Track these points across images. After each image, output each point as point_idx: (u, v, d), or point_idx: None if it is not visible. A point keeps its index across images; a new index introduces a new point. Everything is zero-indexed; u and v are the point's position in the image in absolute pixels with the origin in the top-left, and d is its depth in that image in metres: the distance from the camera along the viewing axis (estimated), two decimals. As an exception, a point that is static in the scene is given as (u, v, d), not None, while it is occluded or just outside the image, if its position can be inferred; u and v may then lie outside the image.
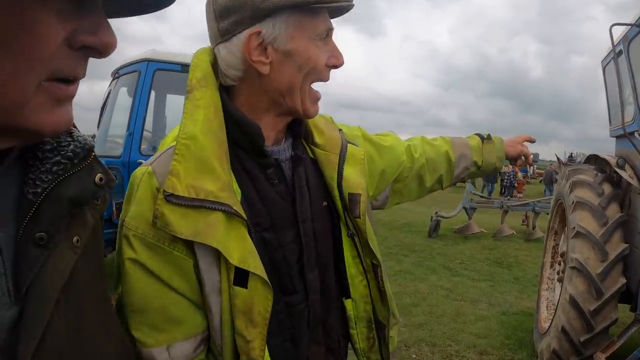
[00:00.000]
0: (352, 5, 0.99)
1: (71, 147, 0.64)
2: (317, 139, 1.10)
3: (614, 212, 3.39)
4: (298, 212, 1.02)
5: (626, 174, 3.40)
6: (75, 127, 0.69)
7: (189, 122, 0.91)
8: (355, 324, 1.14)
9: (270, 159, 1.00)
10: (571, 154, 5.81)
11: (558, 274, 4.38)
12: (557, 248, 4.55)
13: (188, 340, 0.94)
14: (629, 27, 3.45)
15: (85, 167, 0.64)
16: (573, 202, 3.54)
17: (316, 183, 1.08)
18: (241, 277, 0.90)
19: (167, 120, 5.99)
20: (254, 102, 0.99)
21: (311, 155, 1.11)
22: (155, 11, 0.66)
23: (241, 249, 0.89)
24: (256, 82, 0.97)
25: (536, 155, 1.61)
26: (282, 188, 1.02)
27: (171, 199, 0.85)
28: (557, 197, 4.42)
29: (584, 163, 4.33)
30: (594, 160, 4.21)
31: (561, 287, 3.65)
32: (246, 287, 0.90)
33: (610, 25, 3.40)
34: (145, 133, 5.55)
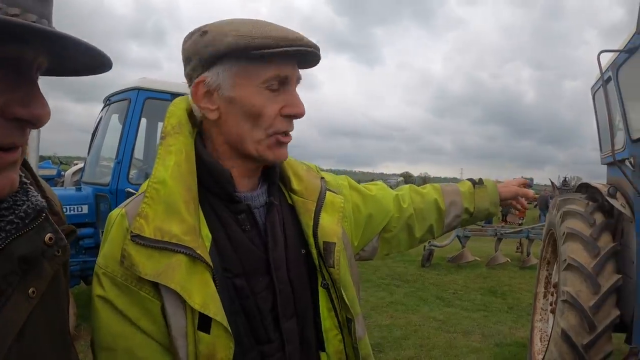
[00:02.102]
0: (312, 51, 0.95)
1: (24, 207, 0.67)
2: (295, 185, 1.08)
3: (606, 242, 3.31)
4: (271, 259, 0.99)
5: (618, 203, 3.33)
6: (37, 183, 0.74)
7: (161, 167, 0.93)
8: None
9: (241, 205, 0.99)
10: (565, 177, 5.77)
11: (551, 305, 4.28)
12: (550, 278, 4.46)
13: None
14: (617, 53, 3.39)
15: (36, 227, 0.68)
16: (564, 233, 3.47)
17: (293, 230, 1.05)
18: (205, 322, 0.88)
19: (159, 148, 5.95)
20: (219, 148, 1.00)
21: (289, 202, 1.08)
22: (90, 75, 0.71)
23: (203, 294, 0.88)
24: (214, 127, 0.99)
25: (530, 180, 1.58)
26: (254, 234, 1.00)
27: (137, 239, 0.87)
28: (548, 226, 4.35)
29: (575, 192, 4.28)
30: (585, 189, 4.16)
31: (554, 319, 3.55)
32: (209, 333, 0.88)
33: (598, 52, 3.34)
34: (135, 161, 5.51)
